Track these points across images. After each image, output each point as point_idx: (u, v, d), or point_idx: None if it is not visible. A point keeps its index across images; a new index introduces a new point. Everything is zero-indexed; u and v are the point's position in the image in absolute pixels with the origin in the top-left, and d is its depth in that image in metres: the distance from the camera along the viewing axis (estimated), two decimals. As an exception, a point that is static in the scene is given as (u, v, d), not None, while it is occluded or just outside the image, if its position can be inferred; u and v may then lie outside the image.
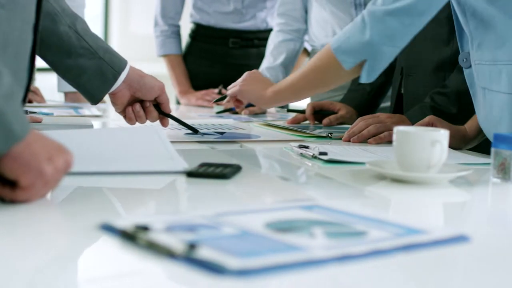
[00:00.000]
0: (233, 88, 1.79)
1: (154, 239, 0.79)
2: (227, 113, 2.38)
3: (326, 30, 2.51)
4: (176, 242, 0.78)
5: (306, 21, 2.61)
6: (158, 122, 1.68)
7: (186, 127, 1.72)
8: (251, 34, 2.90)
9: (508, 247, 0.90)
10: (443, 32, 1.88)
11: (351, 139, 1.72)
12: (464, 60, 1.58)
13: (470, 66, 1.58)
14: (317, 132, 1.88)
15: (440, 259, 0.82)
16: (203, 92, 2.76)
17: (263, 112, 2.37)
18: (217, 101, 1.95)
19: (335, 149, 1.53)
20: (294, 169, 1.40)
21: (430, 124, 1.65)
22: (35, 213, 0.94)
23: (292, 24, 2.58)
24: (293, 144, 1.57)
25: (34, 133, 0.96)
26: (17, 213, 0.93)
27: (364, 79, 1.58)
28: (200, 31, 2.91)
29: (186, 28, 2.99)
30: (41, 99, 2.42)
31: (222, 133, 1.79)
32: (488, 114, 1.53)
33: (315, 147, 1.51)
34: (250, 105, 2.21)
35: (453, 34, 1.85)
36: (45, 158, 0.95)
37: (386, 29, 1.52)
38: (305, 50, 2.75)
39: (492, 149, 1.28)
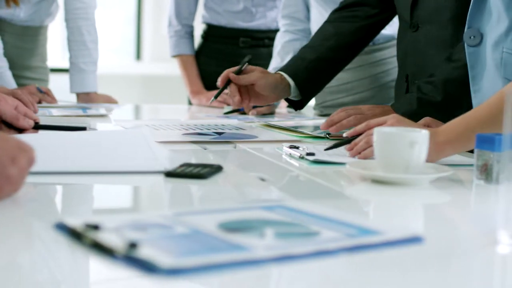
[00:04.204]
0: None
1: (99, 238, 0.80)
2: (235, 114, 2.38)
3: None
4: (119, 242, 0.79)
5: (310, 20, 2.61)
6: (151, 123, 1.69)
7: (67, 129, 1.60)
8: (262, 34, 2.91)
9: (471, 249, 0.90)
10: (446, 34, 1.84)
11: (329, 129, 1.71)
12: (472, 37, 1.53)
13: (477, 45, 1.52)
14: (316, 132, 1.88)
15: (395, 260, 0.82)
16: (214, 92, 2.77)
17: (272, 113, 2.37)
18: (219, 94, 1.96)
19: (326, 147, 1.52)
20: (277, 170, 1.41)
21: (426, 126, 1.64)
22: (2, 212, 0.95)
23: (297, 24, 2.58)
24: (285, 144, 1.57)
25: None
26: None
27: None
28: (211, 32, 2.93)
29: (198, 29, 3.00)
30: (53, 100, 2.46)
31: (221, 133, 1.80)
32: None
33: (305, 147, 1.51)
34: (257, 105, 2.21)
35: (456, 36, 1.83)
36: (8, 161, 0.96)
37: None
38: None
39: (475, 150, 1.27)
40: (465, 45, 1.54)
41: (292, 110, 2.52)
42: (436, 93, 1.74)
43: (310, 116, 2.50)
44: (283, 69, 2.05)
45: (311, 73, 2.03)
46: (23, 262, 0.79)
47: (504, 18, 1.46)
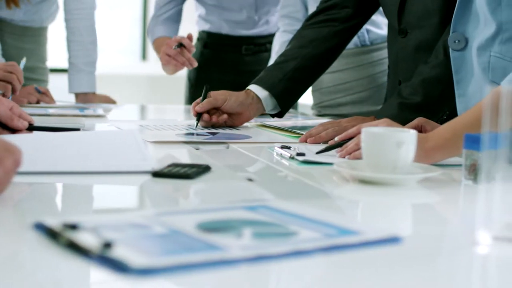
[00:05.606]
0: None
1: (74, 238, 0.80)
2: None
3: None
4: (95, 241, 0.79)
5: None
6: (143, 124, 1.69)
7: (61, 130, 1.56)
8: (263, 39, 2.89)
9: (454, 249, 0.90)
10: (436, 38, 1.83)
11: (307, 141, 1.68)
12: (456, 41, 1.53)
13: (462, 49, 1.52)
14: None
15: (376, 259, 0.82)
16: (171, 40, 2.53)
17: (269, 113, 2.37)
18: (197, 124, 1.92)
19: (318, 150, 1.52)
20: (266, 170, 1.41)
21: (419, 126, 1.63)
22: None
23: (296, 24, 2.57)
24: (276, 145, 1.57)
25: None
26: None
27: None
28: (211, 39, 2.88)
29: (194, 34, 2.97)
30: (51, 100, 2.47)
31: (214, 133, 1.80)
32: None
33: (296, 147, 1.51)
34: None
35: None
36: None
37: None
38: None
39: (464, 150, 1.27)
40: (450, 49, 1.54)
41: (290, 110, 2.51)
42: (415, 95, 1.73)
43: (308, 116, 2.50)
44: (257, 81, 1.99)
45: (288, 84, 1.98)
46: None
47: (490, 22, 1.46)
